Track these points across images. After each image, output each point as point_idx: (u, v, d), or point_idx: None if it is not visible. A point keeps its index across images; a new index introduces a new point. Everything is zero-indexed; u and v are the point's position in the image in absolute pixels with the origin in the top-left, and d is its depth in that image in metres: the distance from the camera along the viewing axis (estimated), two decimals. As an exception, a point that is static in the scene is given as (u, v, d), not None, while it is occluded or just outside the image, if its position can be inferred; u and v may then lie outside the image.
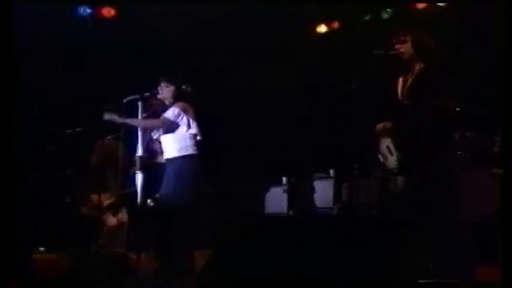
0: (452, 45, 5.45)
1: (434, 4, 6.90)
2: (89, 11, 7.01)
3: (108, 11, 7.06)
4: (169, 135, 5.19)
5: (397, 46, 4.32)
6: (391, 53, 4.35)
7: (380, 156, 4.49)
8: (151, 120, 5.21)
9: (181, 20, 7.01)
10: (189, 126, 5.15)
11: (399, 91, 4.48)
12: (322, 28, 7.62)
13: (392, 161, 4.36)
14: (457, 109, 4.25)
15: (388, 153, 4.38)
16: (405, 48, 4.32)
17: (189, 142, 5.17)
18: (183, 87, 5.27)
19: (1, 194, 4.42)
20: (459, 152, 5.18)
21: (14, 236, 4.41)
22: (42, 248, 6.30)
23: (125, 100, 5.13)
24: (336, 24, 7.55)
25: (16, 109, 4.66)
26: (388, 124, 4.43)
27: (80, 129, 6.53)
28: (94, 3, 7.00)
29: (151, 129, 5.21)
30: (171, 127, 5.14)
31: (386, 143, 4.42)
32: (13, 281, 4.18)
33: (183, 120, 5.13)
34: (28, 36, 5.92)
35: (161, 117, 5.15)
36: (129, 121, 5.10)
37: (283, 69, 7.36)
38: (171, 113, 5.14)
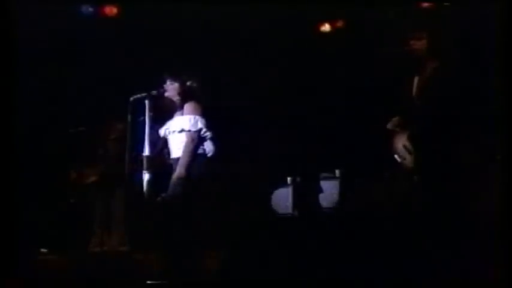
0: (456, 44, 5.40)
1: (439, 4, 6.87)
2: (91, 9, 6.98)
3: (110, 10, 7.04)
4: (177, 135, 5.15)
5: (412, 42, 4.29)
6: (405, 49, 4.32)
7: (396, 156, 4.44)
8: (188, 147, 5.11)
9: (184, 18, 6.97)
10: (199, 126, 5.12)
11: (413, 90, 4.44)
12: (327, 27, 7.58)
13: (411, 160, 4.31)
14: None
15: (406, 152, 4.33)
16: (420, 45, 4.29)
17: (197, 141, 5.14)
18: (188, 83, 5.23)
19: (2, 194, 4.39)
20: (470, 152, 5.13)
21: (15, 236, 4.38)
22: (44, 250, 6.26)
23: (131, 98, 5.10)
24: (342, 23, 7.52)
25: (18, 108, 4.64)
26: (402, 120, 4.40)
27: (82, 128, 6.53)
28: (97, 2, 6.97)
29: (195, 149, 5.11)
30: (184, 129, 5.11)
31: (402, 142, 4.37)
32: (13, 281, 4.15)
33: (198, 124, 5.11)
34: (30, 35, 5.88)
35: (189, 137, 5.07)
36: (183, 164, 5.03)
37: (289, 67, 7.32)
38: (189, 124, 5.09)
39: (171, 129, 5.19)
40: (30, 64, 5.89)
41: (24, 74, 5.15)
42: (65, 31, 6.95)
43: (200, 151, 5.13)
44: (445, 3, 6.70)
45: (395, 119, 4.47)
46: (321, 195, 7.09)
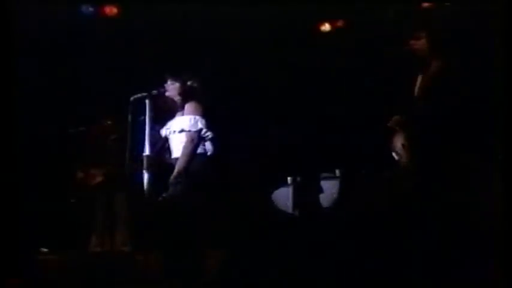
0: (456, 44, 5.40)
1: (439, 4, 6.86)
2: (91, 9, 6.97)
3: (110, 10, 7.03)
4: (177, 135, 5.15)
5: (412, 42, 4.29)
6: (406, 48, 4.32)
7: (394, 154, 4.45)
8: (187, 148, 5.09)
9: (185, 17, 6.97)
10: (199, 126, 5.11)
11: (413, 89, 4.45)
12: (327, 27, 7.58)
13: (409, 160, 4.32)
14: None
15: (404, 151, 4.34)
16: (420, 45, 4.29)
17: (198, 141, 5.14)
18: (188, 83, 5.23)
19: (3, 194, 4.39)
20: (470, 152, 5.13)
21: (15, 236, 4.38)
22: (44, 249, 6.26)
23: (132, 98, 5.10)
24: (342, 23, 7.51)
25: (18, 109, 4.64)
26: (402, 118, 4.40)
27: (82, 128, 6.53)
28: (97, 2, 6.96)
29: (194, 150, 5.09)
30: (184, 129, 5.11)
31: (401, 141, 4.38)
32: (13, 281, 4.15)
33: (198, 124, 5.11)
34: (30, 35, 5.88)
35: (188, 137, 5.06)
36: (181, 164, 5.02)
37: (290, 67, 7.32)
38: (189, 125, 5.08)
39: (172, 129, 5.19)
40: (30, 64, 5.89)
41: (25, 73, 5.15)
42: (65, 31, 6.94)
43: (200, 151, 5.12)
44: (445, 3, 6.70)
45: (395, 118, 4.48)
46: (321, 195, 7.09)
